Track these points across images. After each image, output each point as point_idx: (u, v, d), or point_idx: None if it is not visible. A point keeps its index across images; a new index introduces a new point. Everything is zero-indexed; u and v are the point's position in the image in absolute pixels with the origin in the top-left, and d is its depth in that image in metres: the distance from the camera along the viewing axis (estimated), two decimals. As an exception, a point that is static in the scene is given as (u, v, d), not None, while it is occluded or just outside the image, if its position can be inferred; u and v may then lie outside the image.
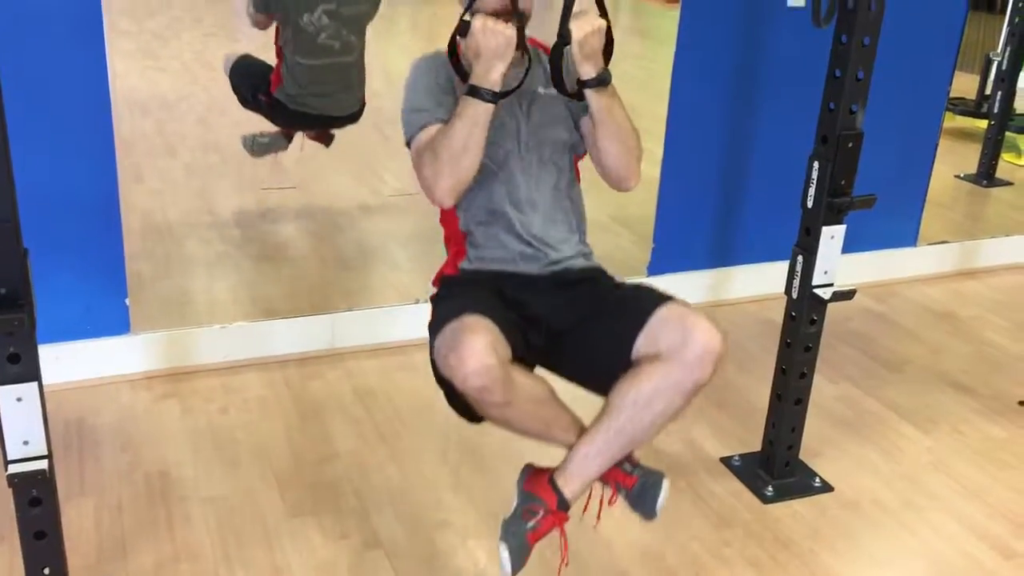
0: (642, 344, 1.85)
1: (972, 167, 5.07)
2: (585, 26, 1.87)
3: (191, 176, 4.45)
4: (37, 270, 1.67)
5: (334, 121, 3.75)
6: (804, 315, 2.37)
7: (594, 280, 2.04)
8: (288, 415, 2.71)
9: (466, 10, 1.86)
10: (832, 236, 2.30)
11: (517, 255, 1.99)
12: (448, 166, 1.81)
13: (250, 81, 3.72)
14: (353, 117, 3.77)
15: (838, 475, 2.55)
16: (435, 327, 1.86)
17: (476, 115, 1.81)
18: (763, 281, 3.51)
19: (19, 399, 1.68)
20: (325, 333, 3.05)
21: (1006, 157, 5.15)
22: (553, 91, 1.96)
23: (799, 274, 2.35)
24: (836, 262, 2.33)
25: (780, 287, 2.43)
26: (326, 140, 3.94)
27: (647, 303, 1.89)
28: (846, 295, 2.33)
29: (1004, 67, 4.96)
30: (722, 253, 3.52)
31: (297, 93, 3.62)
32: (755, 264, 3.54)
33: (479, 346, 1.69)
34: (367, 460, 2.52)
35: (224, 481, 2.40)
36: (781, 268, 2.76)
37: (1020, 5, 4.85)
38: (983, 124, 5.27)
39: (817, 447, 2.65)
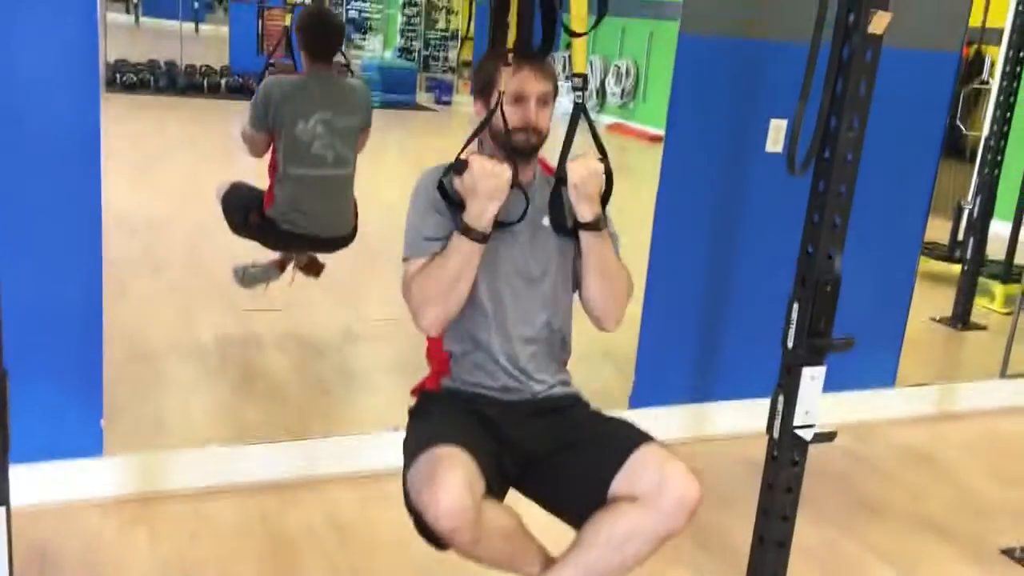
0: (619, 484, 1.86)
1: (947, 310, 5.15)
2: (581, 169, 1.94)
3: (174, 297, 4.46)
4: (13, 387, 1.65)
5: (324, 243, 3.79)
6: (785, 456, 2.37)
7: (571, 408, 2.07)
8: (260, 547, 2.64)
9: (462, 149, 1.92)
10: (812, 377, 2.31)
11: (500, 387, 2.01)
12: (437, 299, 1.85)
13: (241, 205, 3.77)
14: (344, 240, 3.80)
15: (821, 622, 2.50)
16: (410, 451, 1.86)
17: (468, 254, 1.85)
18: (744, 418, 3.51)
19: (-14, 523, 1.63)
20: (302, 460, 3.00)
21: (980, 302, 5.25)
22: (545, 221, 2.02)
23: (780, 414, 2.36)
24: (816, 403, 2.34)
25: (761, 424, 2.43)
26: (315, 271, 3.98)
27: (626, 442, 1.91)
28: (827, 436, 2.33)
29: (975, 215, 5.11)
30: (703, 388, 3.53)
31: (287, 209, 3.64)
32: (736, 400, 3.54)
33: (453, 486, 1.70)
34: (339, 595, 2.45)
35: (190, 614, 2.33)
36: (762, 405, 2.77)
37: (989, 157, 5.03)
38: (957, 268, 5.39)
39: (799, 592, 2.60)
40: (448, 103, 11.78)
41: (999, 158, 5.01)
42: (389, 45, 13.57)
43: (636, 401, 3.41)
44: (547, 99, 1.95)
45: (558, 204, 2.00)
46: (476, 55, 12.32)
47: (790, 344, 2.32)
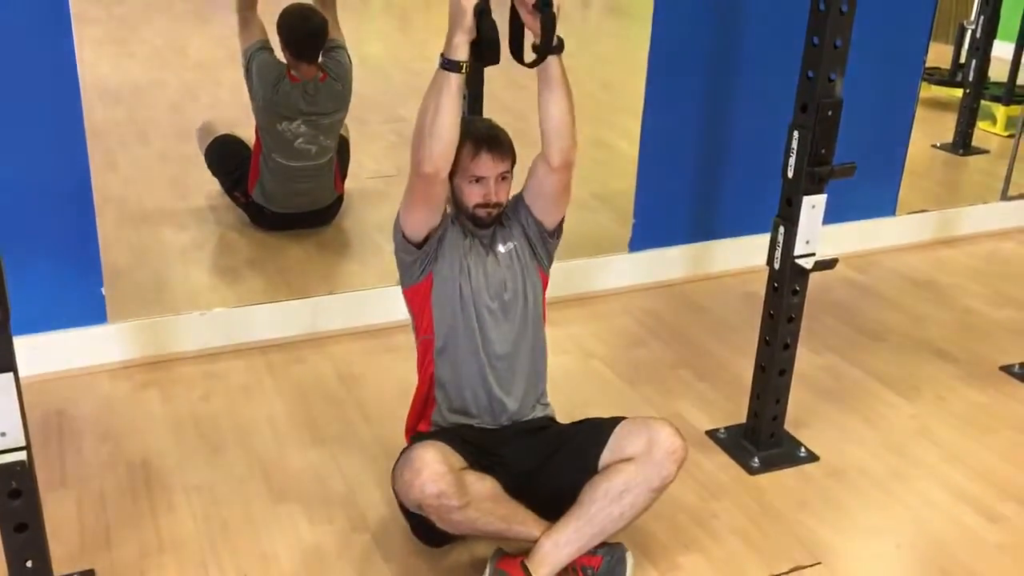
0: (607, 458, 2.00)
1: (948, 136, 5.08)
2: None
3: (165, 164, 4.40)
4: (10, 261, 1.63)
5: (309, 218, 3.75)
6: (786, 286, 2.37)
7: (549, 426, 2.19)
8: (271, 401, 2.69)
9: None
10: (813, 206, 2.29)
11: (484, 409, 2.12)
12: (425, 132, 1.87)
13: (227, 169, 3.76)
14: (330, 209, 3.79)
15: (823, 445, 2.56)
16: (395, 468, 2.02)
17: (440, 82, 1.84)
18: (744, 254, 3.52)
19: (-6, 389, 1.65)
20: (306, 317, 3.02)
21: (982, 125, 5.17)
22: (511, 247, 2.10)
23: (780, 244, 2.34)
24: (817, 232, 2.32)
25: (761, 259, 2.43)
26: None
27: (604, 425, 2.06)
28: (828, 264, 2.32)
29: (978, 35, 4.97)
30: (703, 227, 3.52)
31: (274, 192, 3.64)
32: (736, 237, 3.53)
33: (429, 456, 1.87)
34: (352, 443, 2.50)
35: (208, 469, 2.38)
36: (762, 240, 2.75)
37: (992, -27, 4.85)
38: (958, 93, 5.28)
39: (802, 417, 2.65)
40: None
41: (1003, -26, 4.83)
42: None
43: (636, 244, 3.40)
44: (506, 175, 2.05)
45: (551, 29, 1.93)
46: None
47: (790, 173, 2.29)
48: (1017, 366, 2.97)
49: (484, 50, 1.87)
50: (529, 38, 1.94)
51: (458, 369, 2.10)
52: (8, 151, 2.50)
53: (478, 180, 2.01)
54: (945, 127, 5.12)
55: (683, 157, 3.39)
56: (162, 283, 3.24)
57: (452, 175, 1.99)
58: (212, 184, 3.99)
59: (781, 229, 2.34)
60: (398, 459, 2.01)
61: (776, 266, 2.37)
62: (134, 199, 3.91)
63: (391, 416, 2.60)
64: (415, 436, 2.16)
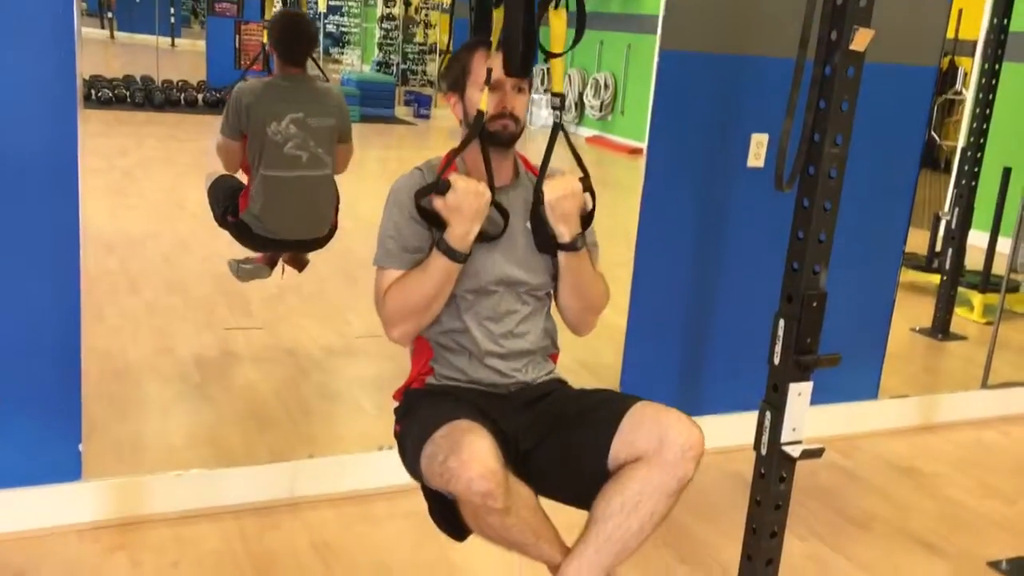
0: (618, 449, 1.83)
1: (926, 321, 5.18)
2: (558, 189, 1.93)
3: (153, 315, 4.41)
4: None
5: (299, 245, 3.75)
6: (773, 472, 2.35)
7: (554, 392, 2.04)
8: (242, 571, 2.60)
9: (442, 169, 1.91)
10: (799, 393, 2.30)
11: (486, 381, 1.99)
12: (412, 315, 1.86)
13: (222, 200, 3.75)
14: (321, 241, 3.77)
15: (810, 639, 2.48)
16: (419, 435, 1.82)
17: (448, 273, 1.84)
18: (730, 431, 3.49)
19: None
20: (284, 482, 2.96)
21: (959, 312, 5.28)
22: (522, 224, 2.02)
23: (767, 431, 2.34)
24: (804, 419, 2.33)
25: (747, 438, 2.41)
26: (300, 265, 3.96)
27: (616, 406, 1.89)
28: (815, 453, 2.32)
29: (953, 226, 5.14)
30: (689, 402, 3.50)
31: (263, 212, 3.60)
32: (722, 414, 3.53)
33: (483, 448, 1.67)
34: (323, 620, 2.41)
35: (171, 642, 2.28)
36: (748, 418, 2.75)
37: (966, 167, 5.07)
38: (935, 279, 5.42)
39: (788, 609, 2.58)
40: (427, 116, 11.80)
41: (976, 169, 5.04)
42: (367, 59, 13.58)
43: (621, 417, 3.39)
44: (522, 86, 1.93)
45: (539, 222, 1.98)
46: (454, 68, 12.37)
47: (776, 361, 2.31)
48: (1004, 563, 2.93)
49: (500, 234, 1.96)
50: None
51: (462, 346, 1.98)
52: (1, 296, 2.50)
53: (493, 88, 1.89)
54: (923, 311, 5.23)
55: (670, 331, 3.43)
56: (140, 440, 3.19)
57: (463, 89, 1.90)
58: (197, 337, 4.00)
59: (768, 415, 2.34)
60: (424, 431, 1.79)
61: (763, 452, 2.37)
62: (118, 351, 3.89)
63: (366, 592, 2.52)
64: (408, 394, 2.03)
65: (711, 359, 3.51)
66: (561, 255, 1.96)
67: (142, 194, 6.89)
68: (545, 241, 1.98)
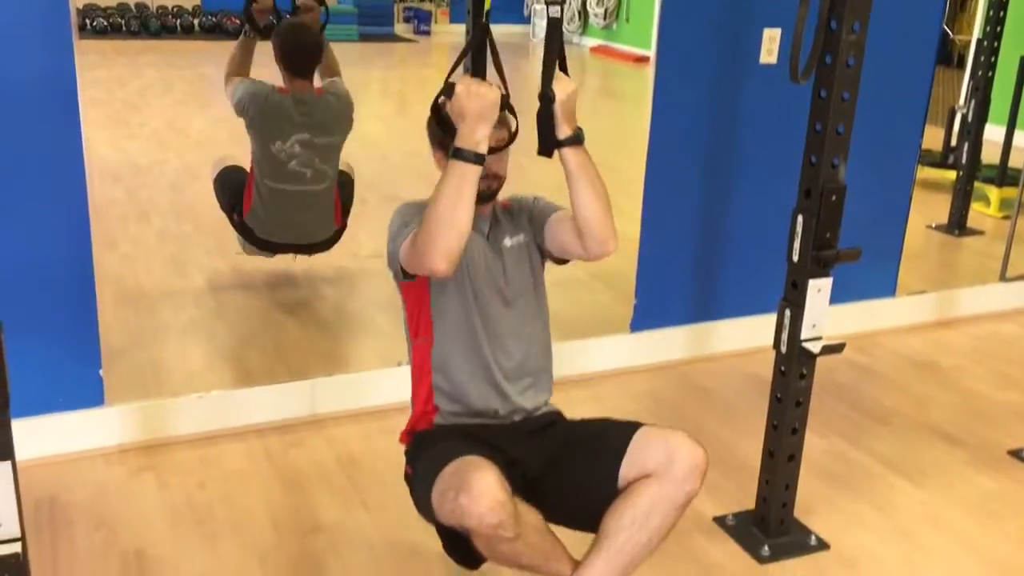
0: (627, 471, 1.90)
1: (942, 217, 5.13)
2: (567, 87, 1.91)
3: (164, 243, 4.40)
4: (8, 342, 1.61)
5: (303, 248, 3.74)
6: (794, 369, 2.35)
7: (557, 422, 2.11)
8: (269, 487, 2.63)
9: (450, 72, 1.86)
10: (819, 289, 2.28)
11: (491, 411, 2.04)
12: (439, 229, 1.79)
13: (228, 194, 3.74)
14: (325, 244, 3.76)
15: (834, 532, 2.51)
16: (428, 475, 1.88)
17: (463, 175, 1.80)
18: (746, 334, 3.51)
19: (-9, 479, 1.60)
20: (305, 399, 2.98)
21: (976, 207, 5.22)
22: (520, 240, 2.05)
23: (787, 328, 2.33)
24: (824, 315, 2.31)
25: (762, 340, 2.41)
26: (308, 249, 3.92)
27: (621, 432, 1.96)
28: (835, 348, 2.31)
29: (969, 119, 5.05)
30: (704, 307, 3.51)
31: (265, 219, 3.61)
32: (737, 318, 3.53)
33: (490, 482, 1.74)
34: (351, 531, 2.44)
35: (204, 559, 2.32)
36: (763, 321, 2.74)
37: (982, 59, 4.95)
38: (951, 175, 5.35)
39: (810, 503, 2.60)
40: (427, 33, 11.59)
41: (992, 59, 4.92)
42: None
43: (637, 325, 3.39)
44: (506, 144, 1.97)
45: (544, 124, 1.94)
46: (453, -18, 12.06)
47: (795, 257, 2.29)
48: (1025, 450, 2.94)
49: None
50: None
51: (463, 372, 2.01)
52: (11, 230, 2.49)
53: None
54: (939, 208, 5.17)
55: (684, 237, 3.40)
56: (159, 364, 3.20)
57: (445, 149, 1.90)
58: (209, 262, 3.99)
59: (787, 312, 2.33)
60: (432, 471, 1.86)
61: (783, 349, 2.36)
62: (132, 279, 3.89)
63: (392, 503, 2.55)
64: (416, 436, 2.06)
65: (726, 263, 3.48)
66: (570, 152, 1.92)
67: (144, 123, 6.82)
68: (551, 141, 1.93)
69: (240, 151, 3.69)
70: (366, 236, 4.41)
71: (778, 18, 3.23)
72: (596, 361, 3.34)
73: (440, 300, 2.01)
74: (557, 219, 2.05)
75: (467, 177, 1.80)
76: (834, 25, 2.12)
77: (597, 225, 1.94)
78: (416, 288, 2.01)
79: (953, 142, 5.61)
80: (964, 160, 5.05)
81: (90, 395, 2.70)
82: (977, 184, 5.17)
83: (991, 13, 4.86)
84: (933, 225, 5.09)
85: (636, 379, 3.34)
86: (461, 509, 1.74)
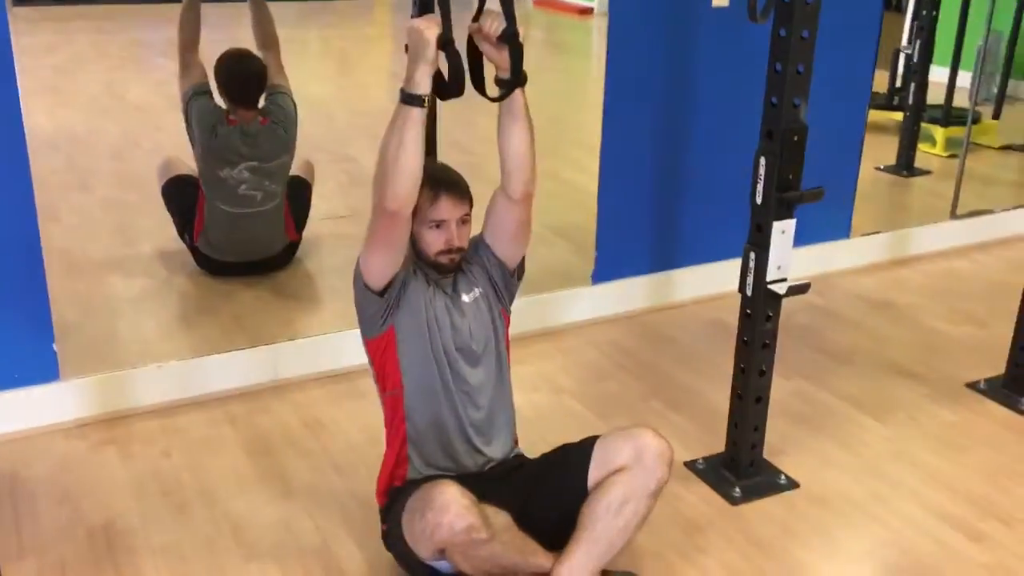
0: (596, 474, 1.97)
1: (890, 159, 5.18)
2: (520, 28, 1.87)
3: (109, 212, 4.27)
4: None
5: (257, 267, 3.64)
6: (760, 312, 2.35)
7: (522, 465, 2.15)
8: (235, 454, 2.59)
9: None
10: (783, 231, 2.29)
11: (463, 464, 2.07)
12: (389, 169, 1.81)
13: (178, 213, 3.65)
14: (281, 257, 3.69)
15: (803, 471, 2.54)
16: (401, 515, 1.94)
17: (404, 117, 1.80)
18: (707, 281, 3.52)
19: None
20: (267, 366, 2.93)
21: (922, 147, 5.28)
22: (477, 293, 2.06)
23: (752, 271, 2.33)
24: (788, 256, 2.32)
25: (724, 286, 2.42)
26: None
27: (582, 446, 2.03)
28: (801, 289, 2.32)
29: (915, 60, 5.09)
30: (665, 256, 3.51)
31: (217, 240, 3.54)
32: (698, 265, 3.54)
33: (453, 492, 1.81)
34: (324, 494, 2.42)
35: (173, 529, 2.27)
36: (724, 266, 2.74)
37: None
38: (896, 116, 5.40)
39: (778, 444, 2.63)
40: (370, -10, 11.33)
41: (935, 1, 4.95)
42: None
43: (599, 276, 3.38)
44: (466, 219, 2.00)
45: (517, 63, 1.90)
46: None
47: (759, 199, 2.28)
48: (982, 382, 3.00)
49: (451, 82, 1.84)
50: (490, 71, 1.91)
51: (433, 427, 2.04)
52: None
53: (439, 225, 1.96)
54: (886, 150, 5.23)
55: (642, 187, 3.38)
56: (114, 335, 3.12)
57: (412, 223, 1.94)
58: (159, 230, 3.89)
59: (752, 255, 2.33)
60: (402, 512, 1.94)
61: (748, 293, 2.36)
62: (79, 249, 3.78)
63: (362, 464, 2.52)
64: (392, 492, 2.08)
65: (684, 211, 3.48)
66: (519, 92, 1.89)
67: (78, 91, 6.60)
68: (516, 81, 1.89)
69: (181, 124, 3.57)
70: (319, 199, 4.33)
71: (729, -40, 3.20)
72: (560, 315, 3.33)
73: (407, 355, 2.01)
74: (486, 214, 2.07)
75: (409, 119, 1.79)
76: (792, -37, 2.10)
77: (528, 161, 1.97)
78: (382, 343, 2.01)
79: (898, 83, 5.66)
80: (911, 102, 5.10)
81: (45, 370, 2.62)
82: (924, 125, 5.23)
83: (934, -46, 4.88)
84: (882, 167, 5.14)
85: (600, 330, 3.34)
86: (431, 527, 1.81)
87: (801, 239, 3.50)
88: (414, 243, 2.00)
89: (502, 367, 2.12)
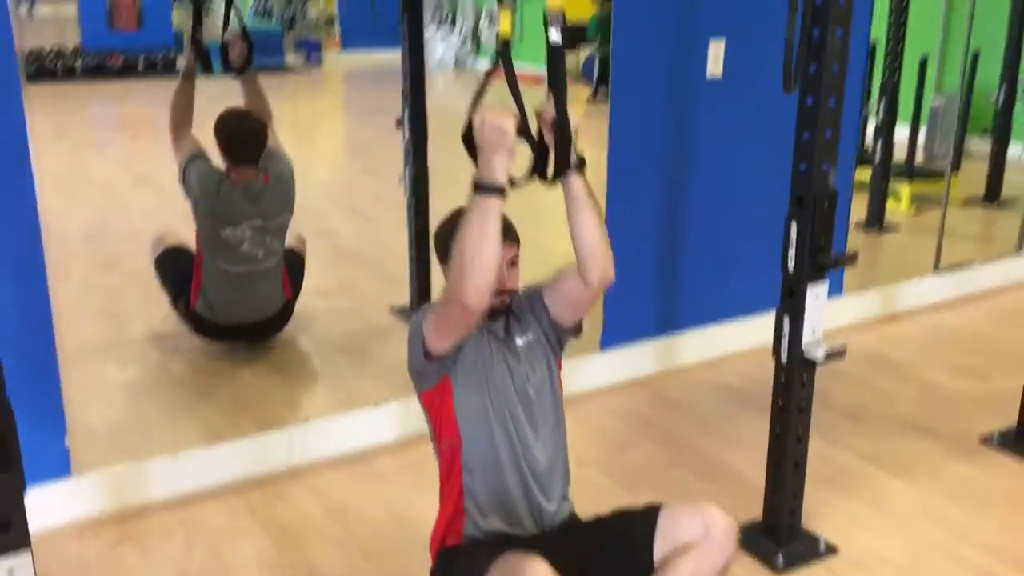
0: (661, 547, 1.92)
1: (859, 215, 5.29)
2: (578, 112, 1.87)
3: (90, 296, 4.16)
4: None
5: (254, 329, 3.60)
6: (795, 377, 2.36)
7: (575, 525, 2.08)
8: (259, 544, 2.49)
9: (472, 107, 1.81)
10: (817, 295, 2.30)
11: (524, 517, 2.00)
12: (468, 266, 1.73)
13: (174, 282, 3.59)
14: (278, 318, 3.64)
15: (838, 534, 2.53)
16: None
17: (484, 209, 1.74)
18: (710, 343, 3.54)
19: (11, 571, 1.45)
20: (280, 450, 2.85)
21: (889, 204, 5.41)
22: (529, 338, 2.01)
23: (787, 336, 2.34)
24: (822, 320, 2.33)
25: (723, 349, 2.38)
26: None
27: (647, 516, 1.96)
28: (838, 353, 2.33)
29: (880, 119, 5.24)
30: (669, 320, 3.52)
31: (216, 303, 3.49)
32: (697, 328, 3.55)
33: (544, 568, 1.73)
34: (359, 583, 2.34)
35: (207, 629, 2.17)
36: (723, 329, 2.72)
37: (888, 60, 5.15)
38: (863, 174, 5.53)
39: (809, 507, 2.61)
40: (319, 61, 11.40)
41: (898, 61, 5.13)
42: (244, 6, 13.00)
43: (607, 342, 3.37)
44: (515, 260, 1.97)
45: (563, 150, 1.89)
46: (340, 8, 11.89)
47: (790, 265, 2.30)
48: (996, 436, 3.03)
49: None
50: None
51: (493, 477, 1.96)
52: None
53: None
54: (855, 207, 5.33)
55: (645, 252, 3.41)
56: (117, 426, 3.01)
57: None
58: (145, 312, 3.80)
59: (786, 320, 2.34)
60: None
61: (783, 359, 2.37)
62: (67, 337, 3.64)
63: (391, 549, 2.45)
64: (446, 552, 2.00)
65: (686, 275, 3.50)
66: (578, 178, 1.89)
67: (42, 171, 6.44)
68: (565, 166, 1.89)
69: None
70: (308, 274, 4.28)
71: (721, 28, 3.27)
72: (572, 382, 3.26)
73: (463, 404, 1.95)
74: (553, 279, 2.03)
75: (489, 210, 1.74)
76: (817, 34, 2.15)
77: (601, 251, 1.92)
78: (437, 395, 1.96)
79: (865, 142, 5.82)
80: (878, 160, 5.24)
81: (57, 466, 2.51)
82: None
83: (893, 16, 5.06)
84: (855, 223, 5.24)
85: (612, 397, 3.32)
86: None
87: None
88: None
89: (558, 413, 2.06)
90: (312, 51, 11.47)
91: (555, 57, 1.92)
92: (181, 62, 3.61)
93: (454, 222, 1.84)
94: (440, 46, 11.05)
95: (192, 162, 3.41)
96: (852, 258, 2.28)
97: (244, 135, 3.46)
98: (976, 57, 5.52)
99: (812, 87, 2.19)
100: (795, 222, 2.27)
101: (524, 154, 1.86)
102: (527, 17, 10.70)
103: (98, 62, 10.00)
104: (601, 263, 1.93)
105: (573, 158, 1.89)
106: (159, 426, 3.05)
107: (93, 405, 3.13)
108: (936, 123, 6.16)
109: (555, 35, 1.93)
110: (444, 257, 1.91)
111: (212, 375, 3.42)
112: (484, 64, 11.33)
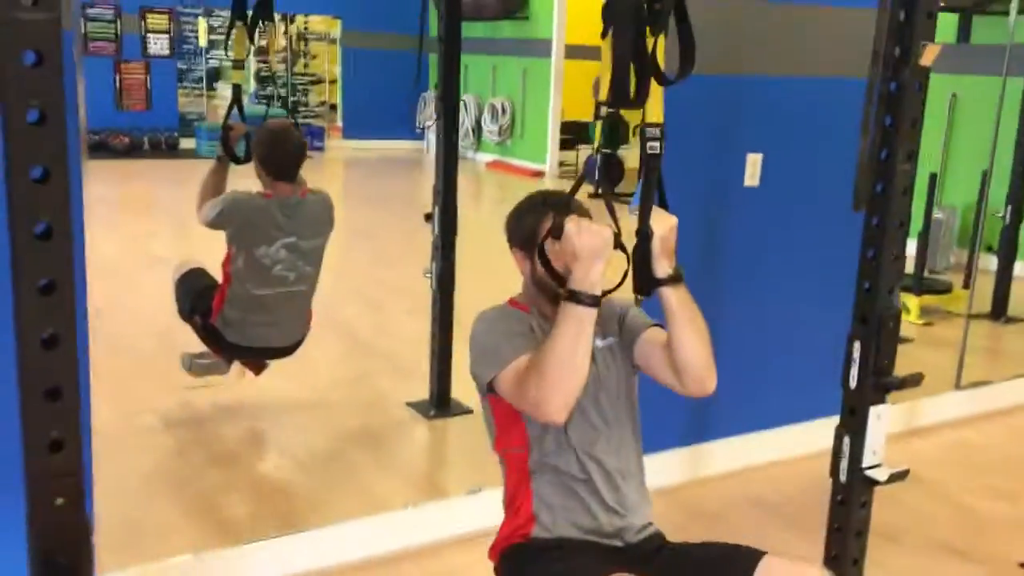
0: None
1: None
2: (666, 222, 1.84)
3: (98, 381, 4.02)
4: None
5: (273, 352, 3.56)
6: (854, 498, 2.30)
7: (663, 545, 1.98)
8: (288, 657, 2.37)
9: (557, 212, 1.77)
10: (879, 416, 2.26)
11: (601, 526, 1.90)
12: (557, 378, 1.67)
13: (191, 297, 3.54)
14: (290, 349, 3.60)
15: (891, 665, 2.44)
16: None
17: (580, 319, 1.69)
18: (738, 453, 3.48)
19: None
20: (304, 553, 2.73)
21: (901, 315, 5.42)
22: (610, 342, 1.96)
23: (846, 456, 2.29)
24: (883, 442, 2.29)
25: (754, 459, 2.32)
26: (257, 369, 3.72)
27: (747, 555, 1.87)
28: (901, 476, 2.28)
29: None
30: (697, 430, 3.46)
31: (239, 321, 3.44)
32: (728, 438, 3.49)
33: None
34: None
35: None
36: (753, 439, 2.66)
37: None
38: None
39: (858, 634, 2.53)
40: (321, 148, 11.49)
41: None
42: (246, 91, 13.14)
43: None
44: None
45: (642, 262, 1.87)
46: (343, 98, 12.06)
47: (852, 384, 2.27)
48: (1036, 562, 2.98)
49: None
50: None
51: (566, 479, 1.88)
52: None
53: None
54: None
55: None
56: (133, 523, 2.88)
57: (532, 250, 1.84)
58: (155, 400, 3.71)
59: (846, 440, 2.29)
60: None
61: (843, 479, 2.31)
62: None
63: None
64: (512, 550, 1.90)
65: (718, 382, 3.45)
66: (671, 291, 1.85)
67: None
68: (649, 281, 1.86)
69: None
70: (324, 367, 4.21)
71: (759, 144, 3.31)
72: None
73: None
74: (649, 340, 1.96)
75: (585, 321, 1.69)
76: (885, 155, 2.16)
77: (698, 366, 1.87)
78: (503, 402, 1.86)
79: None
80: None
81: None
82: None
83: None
84: (867, 334, 5.25)
85: (643, 509, 3.23)
86: None
87: (823, 411, 3.57)
88: (531, 269, 1.90)
89: (635, 423, 1.99)
90: (315, 137, 11.56)
91: (650, 166, 1.91)
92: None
93: (531, 205, 1.88)
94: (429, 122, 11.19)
95: (225, 194, 3.39)
96: (917, 380, 2.25)
97: (286, 148, 3.43)
98: (986, 175, 5.62)
99: (879, 207, 2.19)
100: (858, 341, 2.25)
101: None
102: (527, 118, 10.93)
103: (100, 140, 10.02)
104: (698, 380, 1.88)
105: (666, 271, 1.85)
106: (177, 524, 2.93)
107: (106, 501, 3.00)
108: (936, 237, 6.24)
109: (652, 146, 1.92)
110: (516, 241, 1.92)
111: (229, 467, 3.32)
112: (485, 156, 11.47)
